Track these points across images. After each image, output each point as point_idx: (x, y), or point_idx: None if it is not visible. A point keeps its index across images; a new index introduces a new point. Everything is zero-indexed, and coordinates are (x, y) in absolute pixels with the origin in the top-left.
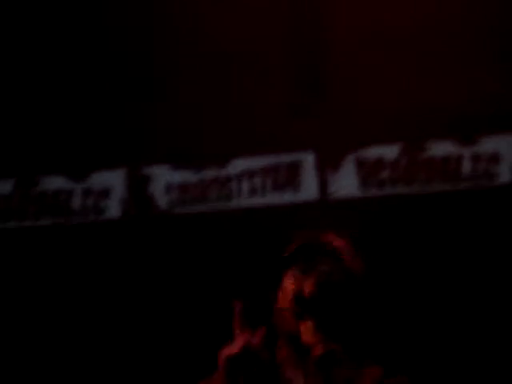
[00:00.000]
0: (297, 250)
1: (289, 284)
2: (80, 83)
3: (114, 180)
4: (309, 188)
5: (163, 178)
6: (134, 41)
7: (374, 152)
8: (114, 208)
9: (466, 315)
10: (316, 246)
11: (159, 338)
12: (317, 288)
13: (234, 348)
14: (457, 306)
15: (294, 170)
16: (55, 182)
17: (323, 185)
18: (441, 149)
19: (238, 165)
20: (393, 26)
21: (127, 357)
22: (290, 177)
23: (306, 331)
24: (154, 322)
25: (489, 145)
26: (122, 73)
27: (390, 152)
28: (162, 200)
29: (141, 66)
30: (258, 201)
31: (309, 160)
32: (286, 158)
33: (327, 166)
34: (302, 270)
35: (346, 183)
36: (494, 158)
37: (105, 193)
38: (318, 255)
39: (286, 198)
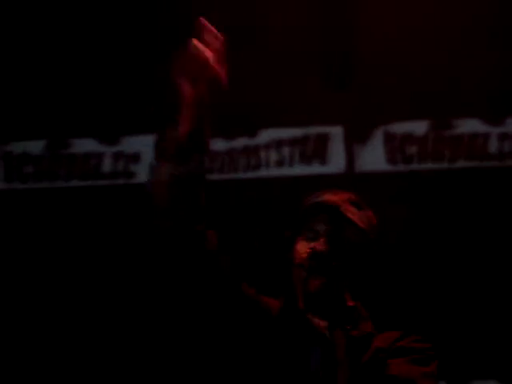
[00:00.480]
0: (308, 210)
1: (302, 243)
2: (114, 46)
3: (144, 145)
4: (336, 161)
5: None
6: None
7: (401, 127)
8: (143, 172)
9: (483, 289)
10: (326, 205)
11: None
12: (329, 245)
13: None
14: (477, 279)
15: (323, 142)
16: (86, 145)
17: (351, 158)
18: (468, 127)
19: (267, 135)
20: (420, 7)
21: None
22: (317, 149)
23: (319, 286)
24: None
25: None
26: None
27: (417, 128)
28: None
29: (168, 32)
30: (286, 171)
31: (337, 133)
32: (314, 131)
33: (355, 139)
34: (314, 229)
35: (374, 157)
36: None
37: (135, 157)
38: (328, 214)
39: (314, 169)
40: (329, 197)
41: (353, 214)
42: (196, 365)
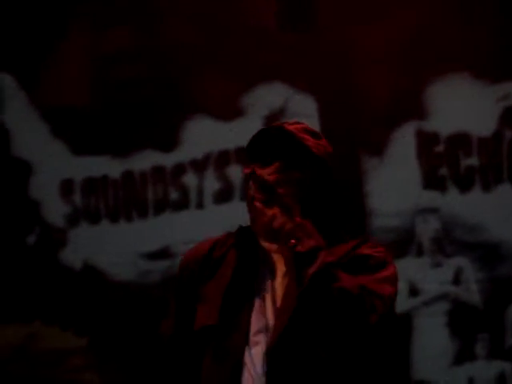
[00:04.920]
0: (256, 139)
1: (254, 174)
2: None
3: None
4: None
5: None
6: None
7: None
8: None
9: None
10: (275, 133)
11: None
12: (279, 173)
13: None
14: None
15: None
16: None
17: None
18: None
19: None
20: None
21: None
22: None
23: (276, 216)
24: None
25: None
26: None
27: None
28: None
29: None
30: None
31: None
32: None
33: None
34: (264, 157)
35: None
36: None
37: None
38: (278, 142)
39: None
40: (284, 125)
41: (308, 141)
42: None
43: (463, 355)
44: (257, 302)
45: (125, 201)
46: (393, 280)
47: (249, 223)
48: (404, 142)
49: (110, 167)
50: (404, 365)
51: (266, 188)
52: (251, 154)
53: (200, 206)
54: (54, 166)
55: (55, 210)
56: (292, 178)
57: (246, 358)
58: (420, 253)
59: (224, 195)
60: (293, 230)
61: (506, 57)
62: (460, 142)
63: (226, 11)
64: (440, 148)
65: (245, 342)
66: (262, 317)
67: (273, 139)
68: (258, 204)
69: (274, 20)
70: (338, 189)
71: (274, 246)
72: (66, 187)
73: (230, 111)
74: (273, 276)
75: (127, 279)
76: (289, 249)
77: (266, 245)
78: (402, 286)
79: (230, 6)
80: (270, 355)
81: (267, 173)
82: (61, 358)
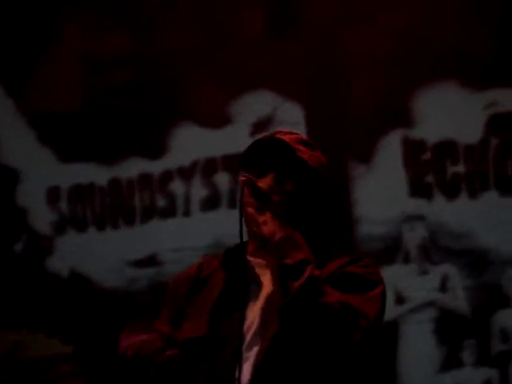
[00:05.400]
0: (251, 149)
1: (249, 181)
2: None
3: None
4: None
5: None
6: None
7: None
8: None
9: None
10: (270, 143)
11: None
12: (273, 183)
13: None
14: None
15: None
16: None
17: None
18: None
19: None
20: None
21: None
22: None
23: (265, 223)
24: None
25: None
26: None
27: None
28: None
29: None
30: None
31: None
32: None
33: None
34: (259, 168)
35: None
36: None
37: None
38: (273, 152)
39: None
40: (279, 135)
41: (303, 152)
42: None
43: (450, 362)
44: (249, 317)
45: (112, 208)
46: (380, 299)
47: (235, 238)
48: (391, 149)
49: (96, 174)
50: (390, 377)
51: (260, 195)
52: (245, 164)
53: (187, 213)
54: (40, 173)
55: (42, 218)
56: (286, 188)
57: (237, 373)
58: (407, 260)
59: (211, 203)
60: (282, 240)
61: (492, 64)
62: (446, 149)
63: (214, 20)
64: (427, 156)
65: (236, 356)
66: (250, 332)
67: (267, 150)
68: (250, 209)
69: (261, 28)
70: (331, 201)
71: (261, 262)
72: (53, 195)
73: (217, 119)
74: (260, 290)
75: (114, 287)
76: (276, 261)
77: (253, 260)
78: (389, 294)
79: (217, 14)
80: (256, 371)
81: (262, 182)
82: (47, 366)
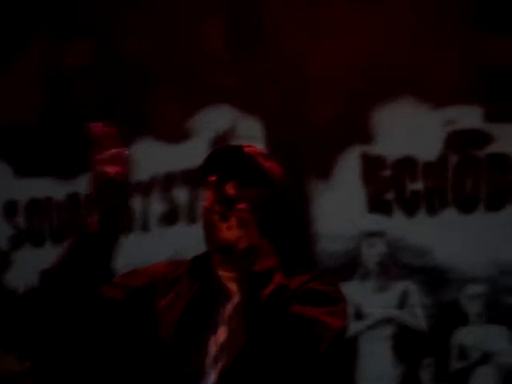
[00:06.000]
0: (213, 157)
1: (211, 189)
2: None
3: None
4: None
5: None
6: None
7: None
8: None
9: None
10: (230, 152)
11: None
12: (237, 189)
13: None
14: None
15: None
16: None
17: None
18: None
19: None
20: None
21: None
22: None
23: (230, 229)
24: None
25: None
26: None
27: None
28: None
29: None
30: None
31: None
32: None
33: None
34: (220, 175)
35: None
36: None
37: None
38: (234, 161)
39: None
40: (242, 147)
41: (263, 162)
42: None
43: (408, 380)
44: (217, 328)
45: (69, 223)
46: (343, 315)
47: (195, 253)
48: (350, 165)
49: (54, 189)
50: None
51: (226, 201)
52: (206, 171)
53: (145, 228)
54: None
55: None
56: (249, 195)
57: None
58: (366, 277)
59: (169, 218)
60: (249, 247)
61: (450, 82)
62: (406, 166)
63: (174, 33)
64: (386, 172)
65: (203, 367)
66: (218, 343)
67: (228, 158)
68: (215, 217)
69: (222, 43)
70: (292, 212)
71: (229, 273)
72: (10, 209)
73: (176, 133)
74: (228, 302)
75: None
76: (244, 268)
77: (220, 271)
78: (348, 310)
79: (178, 28)
80: (221, 381)
81: (227, 187)
82: (4, 382)
